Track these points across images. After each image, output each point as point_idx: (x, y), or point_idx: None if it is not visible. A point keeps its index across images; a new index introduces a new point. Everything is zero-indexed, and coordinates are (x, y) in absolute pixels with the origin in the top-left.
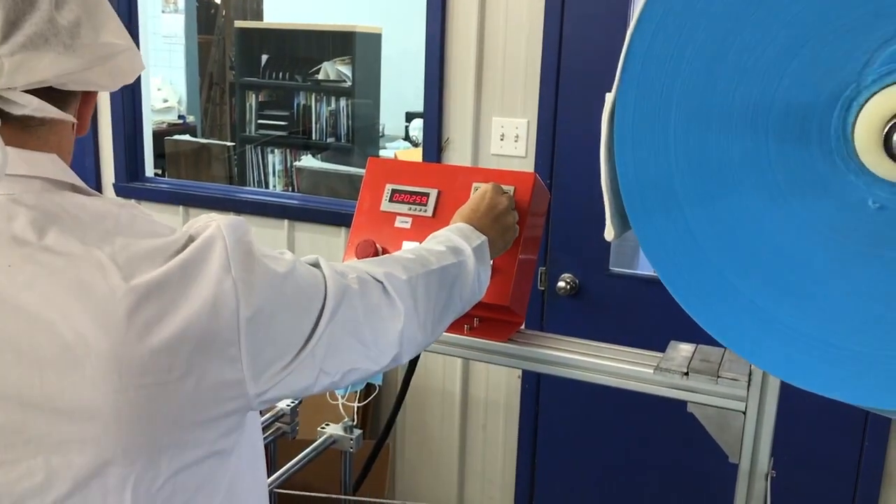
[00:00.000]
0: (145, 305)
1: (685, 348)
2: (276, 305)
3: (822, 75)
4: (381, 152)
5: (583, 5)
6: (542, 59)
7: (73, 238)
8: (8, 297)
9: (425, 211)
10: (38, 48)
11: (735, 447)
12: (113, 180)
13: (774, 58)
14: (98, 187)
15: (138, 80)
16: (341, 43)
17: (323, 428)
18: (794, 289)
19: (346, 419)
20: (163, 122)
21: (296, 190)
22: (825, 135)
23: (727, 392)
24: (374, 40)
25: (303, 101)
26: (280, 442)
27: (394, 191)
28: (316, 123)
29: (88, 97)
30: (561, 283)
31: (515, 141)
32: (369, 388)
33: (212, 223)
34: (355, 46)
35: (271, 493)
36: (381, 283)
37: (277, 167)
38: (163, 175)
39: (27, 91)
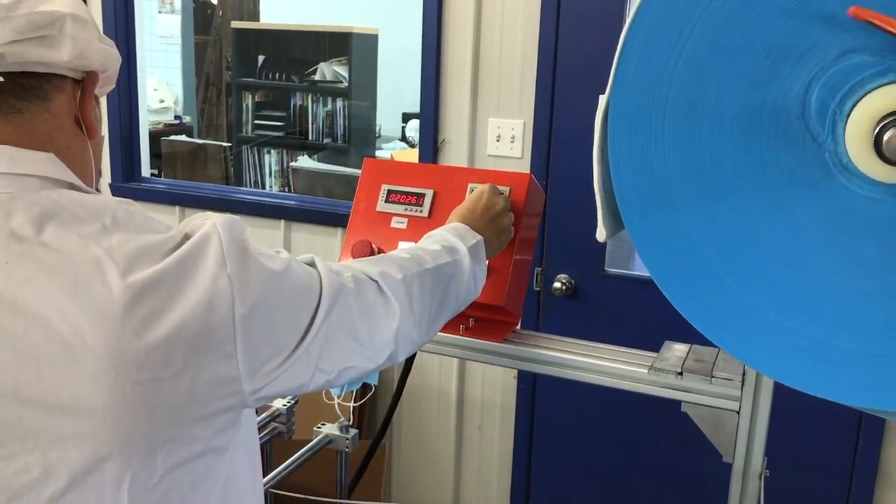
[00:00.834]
0: (142, 302)
1: (679, 348)
2: (272, 303)
3: (812, 77)
4: (378, 153)
5: (579, 7)
6: (538, 60)
7: (70, 234)
8: (6, 293)
9: (421, 211)
10: None
11: (729, 447)
12: (109, 180)
13: (765, 59)
14: (94, 187)
15: (135, 80)
16: (338, 44)
17: (319, 428)
18: (787, 289)
19: (342, 419)
20: (159, 123)
21: (292, 190)
22: (816, 137)
23: (721, 392)
24: (370, 41)
25: (299, 102)
26: (276, 441)
27: (390, 191)
28: (312, 124)
29: (85, 97)
30: (557, 284)
31: (511, 142)
32: (365, 387)
33: (207, 221)
34: (352, 47)
35: (267, 494)
36: (377, 281)
37: (274, 168)
38: (159, 175)
39: None
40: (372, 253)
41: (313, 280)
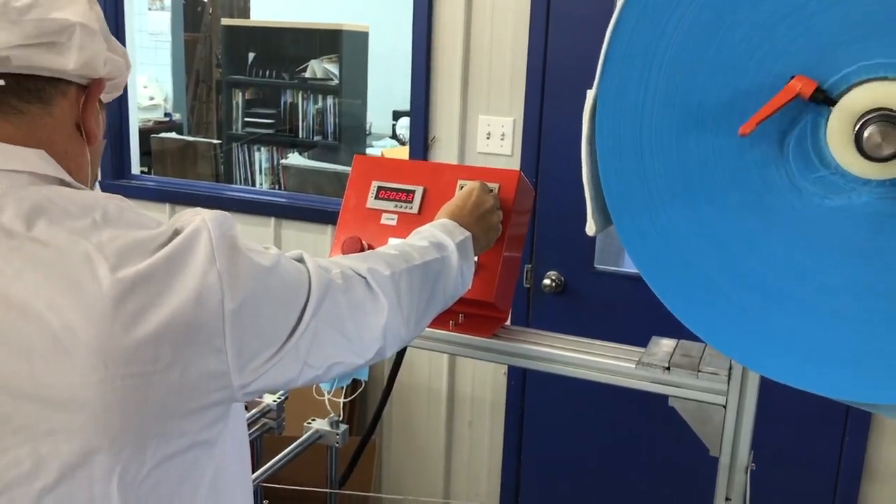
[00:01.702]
0: (131, 297)
1: (667, 343)
2: (261, 298)
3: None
4: (368, 150)
5: (568, 6)
6: (528, 57)
7: (61, 229)
8: None
9: (411, 208)
10: None
11: (715, 441)
12: (99, 178)
13: (748, 58)
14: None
15: None
16: (328, 41)
17: (309, 423)
18: (773, 285)
19: (332, 415)
20: (149, 120)
21: (282, 188)
22: (799, 135)
23: (707, 386)
24: (361, 39)
25: (289, 99)
26: (266, 437)
27: (380, 188)
28: (303, 121)
29: (88, 103)
30: (546, 281)
31: (501, 139)
32: (355, 383)
33: (197, 216)
34: (342, 45)
35: (257, 487)
36: (365, 278)
37: (264, 165)
38: (149, 173)
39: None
40: (362, 249)
41: (302, 276)
